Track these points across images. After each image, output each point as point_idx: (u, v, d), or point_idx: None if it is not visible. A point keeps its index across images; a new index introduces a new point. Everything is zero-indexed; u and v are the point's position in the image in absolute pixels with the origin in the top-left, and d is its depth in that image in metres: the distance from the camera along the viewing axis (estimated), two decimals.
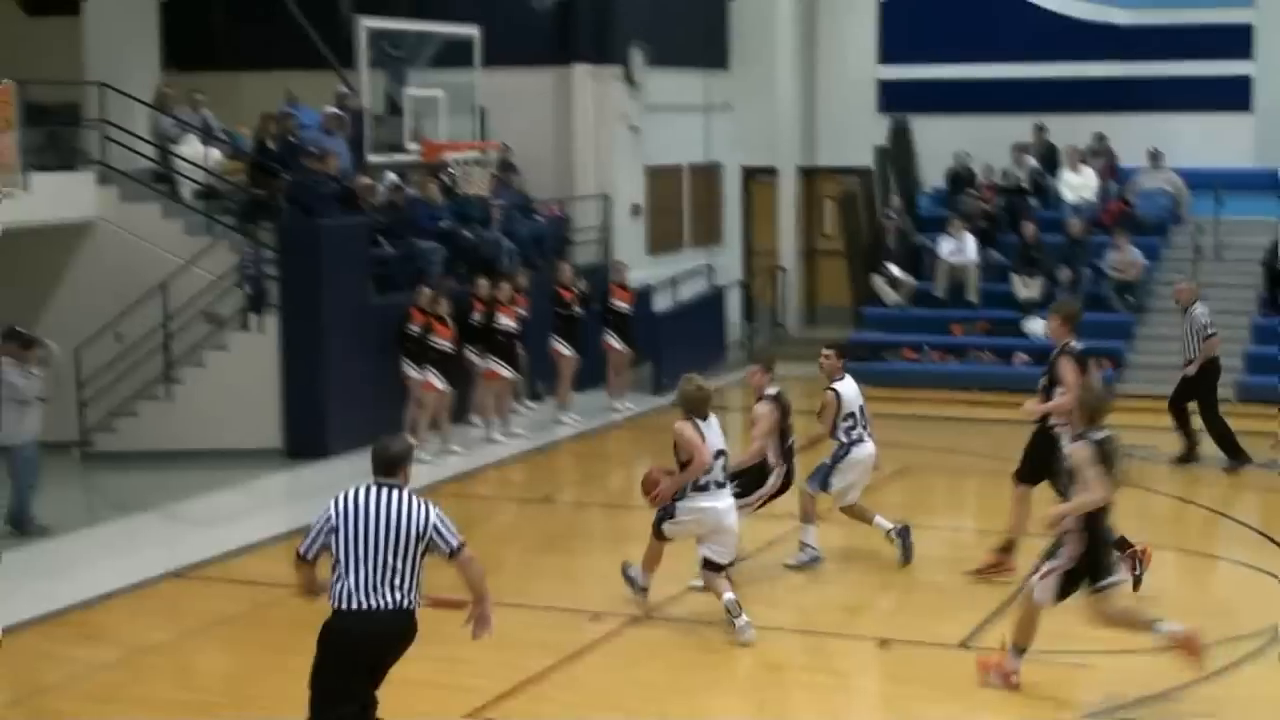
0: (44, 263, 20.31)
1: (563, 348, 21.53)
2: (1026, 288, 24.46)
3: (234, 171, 21.70)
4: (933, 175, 27.59)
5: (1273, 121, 26.06)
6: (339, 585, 8.83)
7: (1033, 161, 26.39)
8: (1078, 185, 25.75)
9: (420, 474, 18.24)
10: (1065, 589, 10.98)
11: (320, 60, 22.59)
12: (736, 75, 28.53)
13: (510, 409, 21.04)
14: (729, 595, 12.61)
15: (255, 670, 12.02)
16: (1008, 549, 13.92)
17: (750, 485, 13.56)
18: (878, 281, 25.77)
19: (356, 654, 8.89)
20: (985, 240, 25.33)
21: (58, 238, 20.02)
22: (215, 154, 21.51)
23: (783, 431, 13.86)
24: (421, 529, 8.89)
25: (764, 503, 13.93)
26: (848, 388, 14.41)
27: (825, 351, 14.57)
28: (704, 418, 12.60)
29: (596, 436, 21.32)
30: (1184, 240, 24.99)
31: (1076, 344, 13.52)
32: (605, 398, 22.45)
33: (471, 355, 20.14)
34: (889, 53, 28.33)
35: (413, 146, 21.85)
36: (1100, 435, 10.98)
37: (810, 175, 29.01)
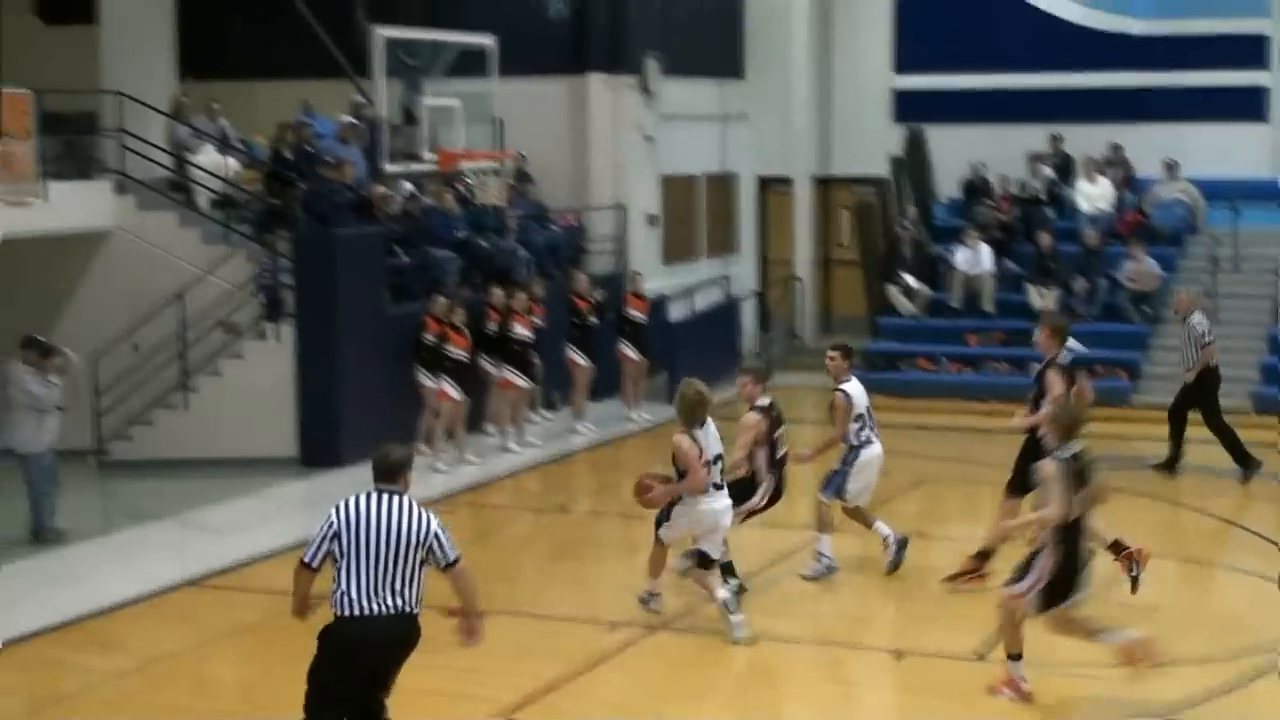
0: (61, 271, 20.37)
1: (578, 357, 21.54)
2: (1042, 298, 24.41)
3: (250, 180, 21.74)
4: (948, 185, 27.58)
5: None
6: (340, 591, 8.90)
7: (1048, 171, 26.37)
8: (1094, 195, 25.72)
9: (436, 483, 18.46)
10: (1047, 603, 10.99)
11: (336, 69, 22.63)
12: (752, 85, 28.53)
13: (525, 418, 21.04)
14: (722, 592, 12.73)
15: (270, 679, 12.01)
16: (984, 556, 13.93)
17: (739, 497, 13.49)
18: (893, 291, 25.75)
19: (355, 658, 8.96)
20: (1001, 250, 25.31)
21: (75, 246, 20.08)
22: (232, 163, 21.56)
23: (773, 443, 13.82)
24: (422, 536, 8.98)
25: (751, 515, 13.89)
26: (856, 388, 14.42)
27: (831, 353, 14.58)
28: (701, 424, 12.69)
29: (611, 446, 21.31)
30: (1200, 251, 24.95)
31: (1065, 356, 13.74)
32: (620, 407, 22.44)
33: (486, 364, 20.16)
34: (904, 62, 28.32)
35: (429, 156, 21.90)
36: (1070, 452, 10.96)
37: (826, 185, 29.01)
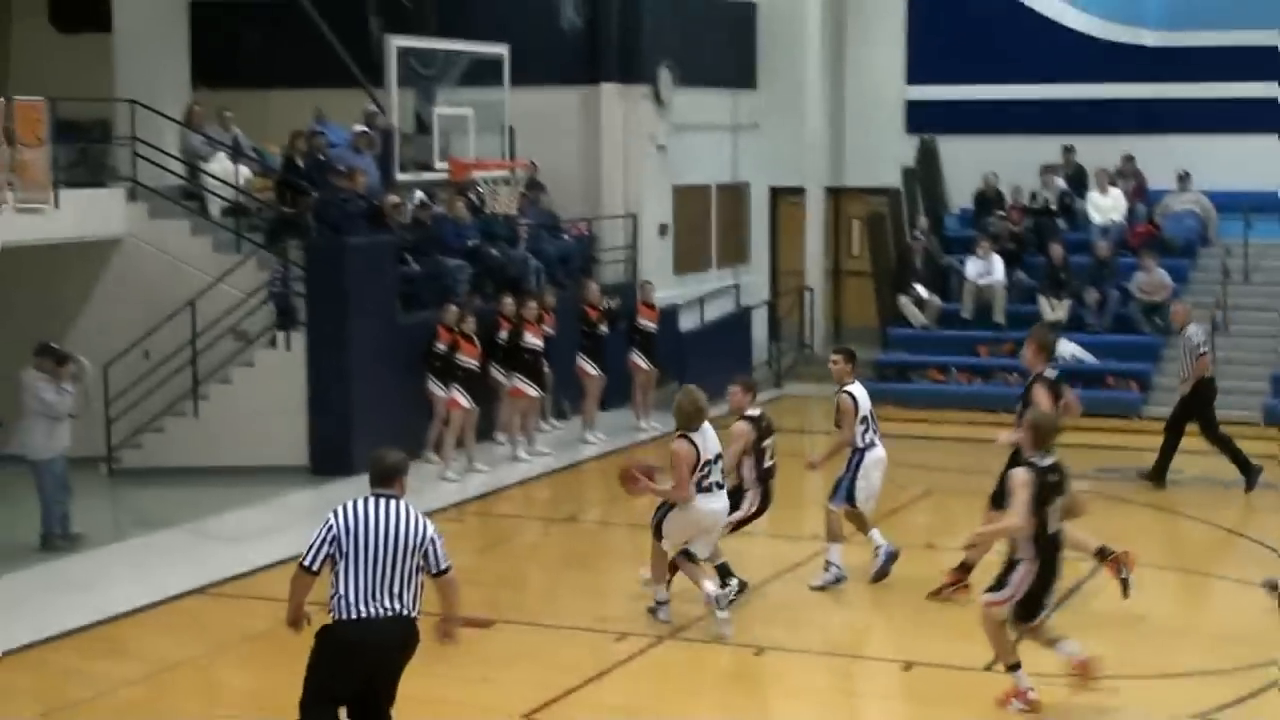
0: (73, 278, 20.42)
1: (588, 366, 21.55)
2: (1054, 309, 24.41)
3: (263, 189, 21.79)
4: (960, 196, 27.57)
5: None
6: (338, 594, 8.97)
7: (1061, 183, 26.36)
8: (1106, 207, 25.69)
9: (446, 492, 18.49)
10: (1024, 615, 11.04)
11: (350, 78, 22.67)
12: (764, 95, 28.55)
13: (536, 427, 21.06)
14: (709, 585, 12.92)
15: (280, 687, 11.97)
16: (966, 568, 13.94)
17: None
18: (904, 302, 25.75)
19: (352, 660, 9.02)
20: (1012, 261, 25.30)
21: (87, 254, 20.13)
22: (244, 171, 21.60)
23: (760, 454, 13.84)
24: (419, 540, 9.05)
25: (738, 526, 13.90)
26: (860, 391, 14.45)
27: (834, 357, 14.69)
28: (697, 428, 12.88)
29: (622, 455, 21.28)
30: (1212, 263, 24.93)
31: (1051, 371, 13.78)
32: (631, 416, 22.44)
33: (497, 373, 20.18)
34: (917, 73, 28.30)
35: (441, 165, 21.92)
36: (1044, 463, 10.98)
37: (837, 195, 28.99)
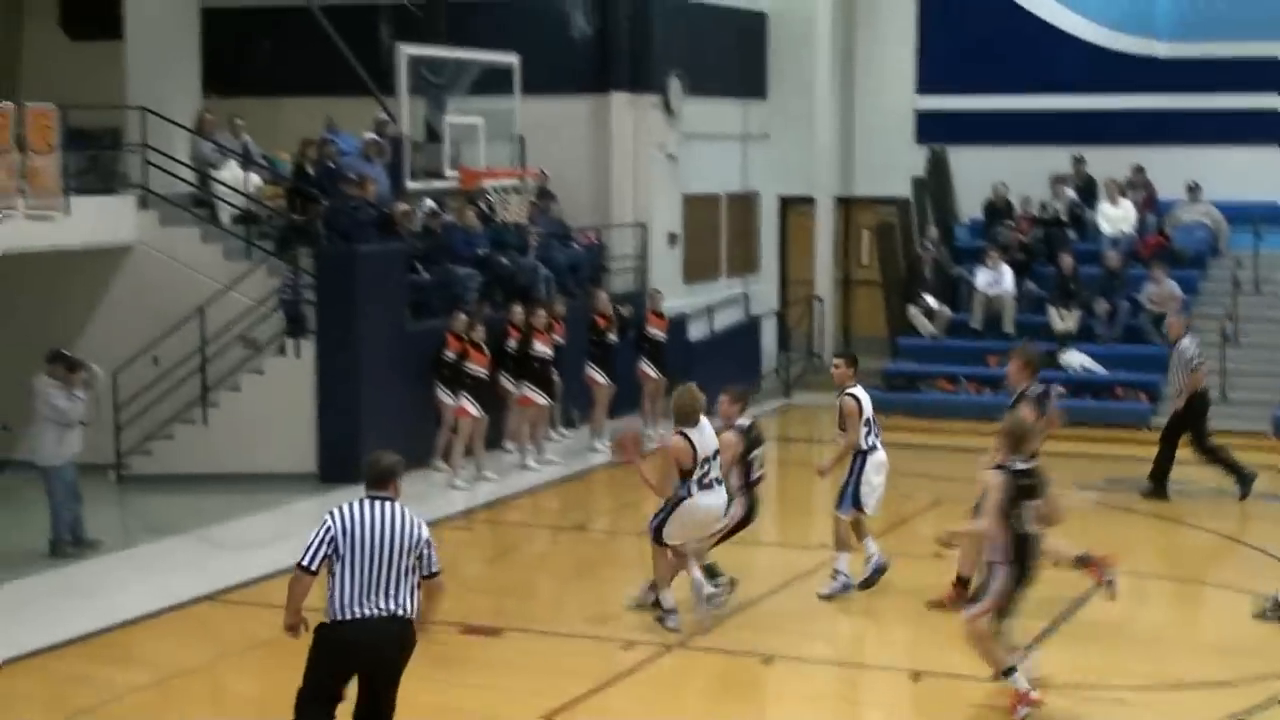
0: (83, 285, 20.44)
1: (597, 375, 21.54)
2: (1063, 320, 24.39)
3: (273, 197, 21.83)
4: (970, 206, 27.56)
5: None
6: (334, 594, 9.06)
7: (1071, 193, 26.34)
8: (1116, 217, 25.67)
9: (454, 500, 18.50)
10: (1003, 613, 11.13)
11: (360, 86, 22.69)
12: (774, 104, 28.57)
13: (544, 436, 21.06)
14: (697, 572, 13.22)
15: (287, 694, 11.92)
16: (964, 582, 13.94)
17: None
18: (914, 312, 25.74)
19: (348, 659, 9.11)
20: (1022, 272, 25.29)
21: (98, 261, 20.16)
22: (255, 179, 21.63)
23: (748, 464, 13.85)
24: (414, 542, 9.15)
25: (724, 537, 13.91)
26: (862, 393, 14.46)
27: (836, 361, 14.75)
28: (694, 425, 12.97)
29: (631, 464, 21.25)
30: (1222, 274, 24.92)
31: (1035, 388, 13.95)
32: (639, 425, 22.41)
33: (506, 382, 20.18)
34: (927, 83, 28.30)
35: (451, 173, 21.94)
36: (1020, 467, 11.01)
37: (847, 205, 28.98)
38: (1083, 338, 24.26)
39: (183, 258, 20.34)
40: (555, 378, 20.66)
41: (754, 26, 28.46)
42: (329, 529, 9.12)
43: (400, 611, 9.06)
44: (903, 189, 27.39)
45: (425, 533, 9.22)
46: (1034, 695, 11.13)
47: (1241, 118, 26.21)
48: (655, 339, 22.25)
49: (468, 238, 21.77)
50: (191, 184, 21.34)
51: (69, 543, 16.23)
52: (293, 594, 9.29)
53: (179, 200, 20.91)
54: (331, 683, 9.20)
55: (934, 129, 28.09)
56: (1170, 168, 25.93)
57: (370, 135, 22.22)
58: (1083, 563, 13.31)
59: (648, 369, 22.16)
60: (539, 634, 13.49)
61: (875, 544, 14.52)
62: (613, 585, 15.74)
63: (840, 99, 28.40)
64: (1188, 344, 18.92)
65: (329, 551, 9.09)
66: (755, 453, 13.90)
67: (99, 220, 19.63)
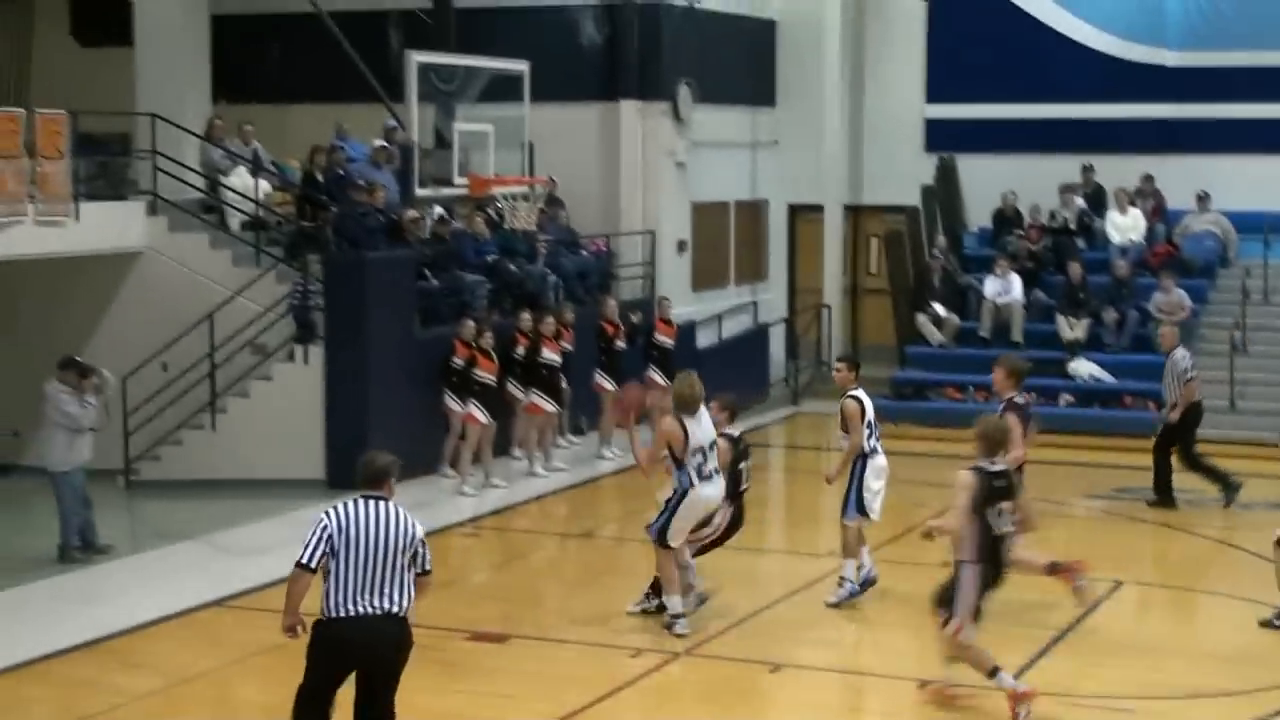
0: (93, 291, 20.48)
1: (606, 382, 21.54)
2: (1072, 329, 24.37)
3: (282, 203, 21.86)
4: (979, 215, 27.53)
5: None
6: (330, 593, 9.11)
7: (1080, 202, 26.32)
8: (1125, 226, 25.65)
9: (462, 507, 18.50)
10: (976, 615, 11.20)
11: (370, 93, 22.73)
12: (783, 112, 28.58)
13: (552, 443, 21.06)
14: (677, 602, 13.33)
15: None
16: None
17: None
18: (922, 320, 25.72)
19: (343, 658, 9.17)
20: (1031, 280, 25.27)
21: (107, 266, 20.20)
22: (264, 185, 21.65)
23: (736, 475, 13.84)
24: (409, 540, 9.22)
25: (708, 548, 13.93)
26: (864, 396, 14.46)
27: (838, 364, 14.88)
28: (693, 414, 13.02)
29: (638, 471, 21.23)
30: (1231, 283, 24.87)
31: (1020, 398, 14.02)
32: (648, 432, 22.38)
33: (514, 389, 20.18)
34: (936, 92, 28.29)
35: (460, 180, 21.95)
36: (994, 469, 11.03)
37: (856, 213, 28.97)
38: (1091, 346, 24.23)
39: (192, 264, 20.38)
40: (563, 385, 20.67)
41: (763, 35, 28.47)
42: (325, 527, 9.19)
43: (395, 610, 9.12)
44: (912, 197, 27.39)
45: (420, 532, 9.30)
46: (1022, 689, 11.16)
47: (1251, 127, 26.19)
48: (664, 346, 22.25)
49: (476, 245, 21.79)
50: (201, 190, 21.38)
51: (77, 548, 16.25)
52: (292, 593, 9.31)
53: (188, 206, 20.95)
54: (326, 682, 9.25)
55: (943, 137, 28.08)
56: (1179, 177, 25.91)
57: (379, 142, 22.25)
58: (1053, 570, 13.35)
59: (656, 376, 22.13)
60: (546, 641, 13.48)
61: (870, 556, 14.51)
62: (620, 593, 15.71)
63: (849, 107, 28.40)
64: (1181, 355, 18.91)
65: (325, 549, 9.14)
66: (743, 464, 13.93)
67: (108, 226, 19.67)
